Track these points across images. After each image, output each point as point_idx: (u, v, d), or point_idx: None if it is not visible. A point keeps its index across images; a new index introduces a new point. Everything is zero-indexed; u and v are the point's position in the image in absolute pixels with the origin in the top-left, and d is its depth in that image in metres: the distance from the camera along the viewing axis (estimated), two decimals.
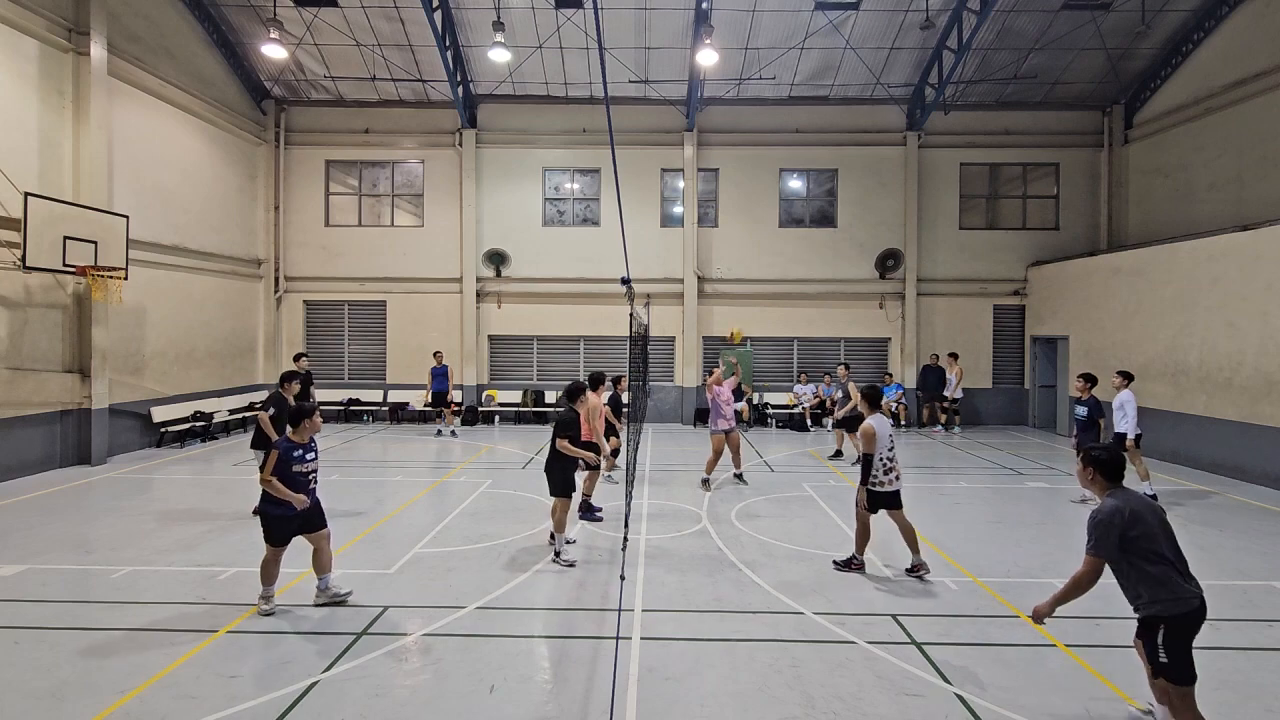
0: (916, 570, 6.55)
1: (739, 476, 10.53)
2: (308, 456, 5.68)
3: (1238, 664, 4.91)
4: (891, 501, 6.52)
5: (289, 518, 5.57)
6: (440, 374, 15.05)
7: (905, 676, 4.69)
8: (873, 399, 6.71)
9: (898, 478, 6.54)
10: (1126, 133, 16.85)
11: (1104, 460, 3.90)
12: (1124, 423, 9.16)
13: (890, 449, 6.49)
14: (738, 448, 10.30)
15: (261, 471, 5.48)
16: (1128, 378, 9.36)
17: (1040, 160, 17.56)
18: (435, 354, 15.49)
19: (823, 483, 10.67)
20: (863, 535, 6.69)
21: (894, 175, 17.43)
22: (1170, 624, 3.58)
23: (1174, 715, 3.67)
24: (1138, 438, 9.27)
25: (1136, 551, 3.62)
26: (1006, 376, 17.52)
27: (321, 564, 5.77)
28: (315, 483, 5.77)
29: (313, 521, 5.70)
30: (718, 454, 10.07)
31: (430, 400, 15.33)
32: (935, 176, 17.47)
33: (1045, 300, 16.54)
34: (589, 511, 8.55)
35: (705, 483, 10.14)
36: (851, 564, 6.73)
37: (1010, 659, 4.96)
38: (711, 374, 10.48)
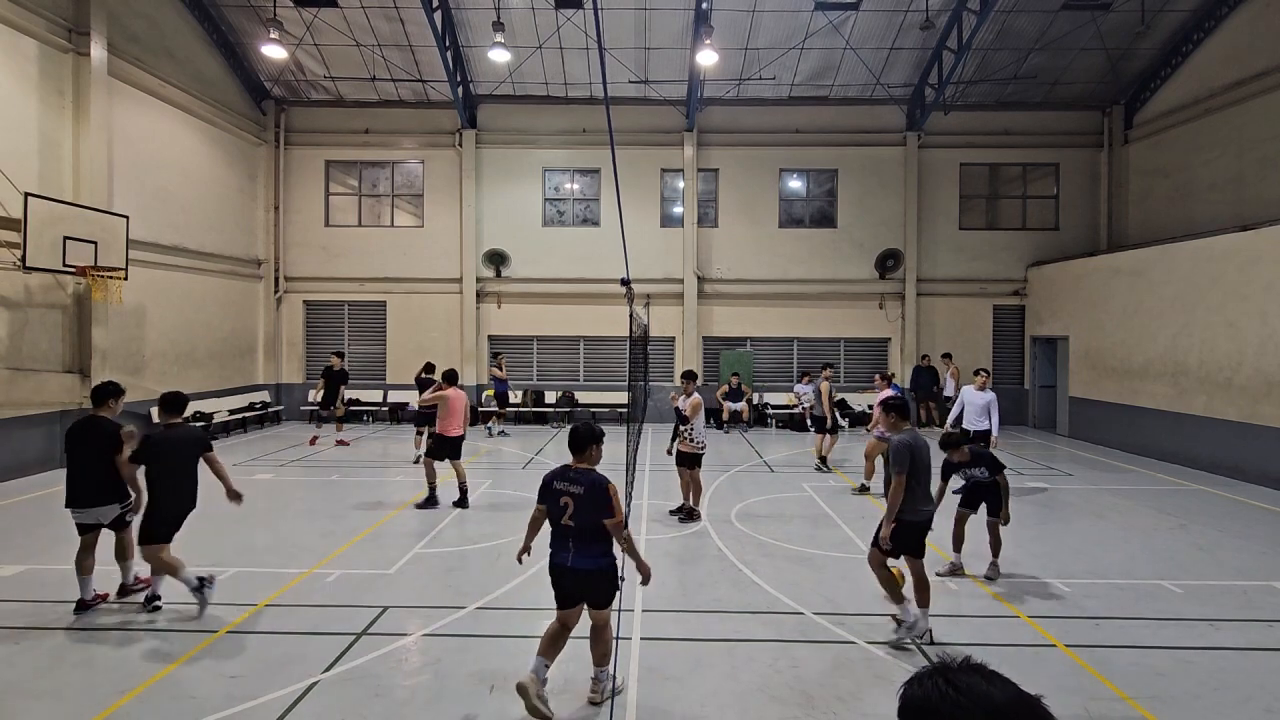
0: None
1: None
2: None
3: (1238, 664, 4.91)
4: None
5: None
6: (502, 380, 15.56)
7: (905, 676, 4.67)
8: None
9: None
10: (1126, 133, 16.85)
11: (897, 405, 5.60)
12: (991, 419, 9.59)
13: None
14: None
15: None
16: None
17: (1040, 160, 17.56)
18: (497, 355, 15.80)
19: (823, 483, 10.67)
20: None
21: (894, 175, 17.43)
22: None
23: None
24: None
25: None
26: (1006, 377, 17.50)
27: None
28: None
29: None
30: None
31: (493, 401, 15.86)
32: (935, 177, 17.47)
33: (1045, 300, 16.54)
34: None
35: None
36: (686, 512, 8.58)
37: (1010, 659, 4.96)
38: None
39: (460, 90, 16.31)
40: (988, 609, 5.86)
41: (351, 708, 4.25)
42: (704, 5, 13.81)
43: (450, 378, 9.37)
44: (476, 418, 12.53)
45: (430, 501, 9.04)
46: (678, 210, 17.65)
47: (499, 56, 14.21)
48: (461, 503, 9.00)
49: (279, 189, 17.27)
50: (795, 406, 16.86)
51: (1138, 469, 11.95)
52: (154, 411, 10.88)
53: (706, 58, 13.65)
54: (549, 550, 4.35)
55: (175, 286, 13.97)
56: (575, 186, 17.83)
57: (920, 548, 5.25)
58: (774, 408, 17.14)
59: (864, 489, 9.95)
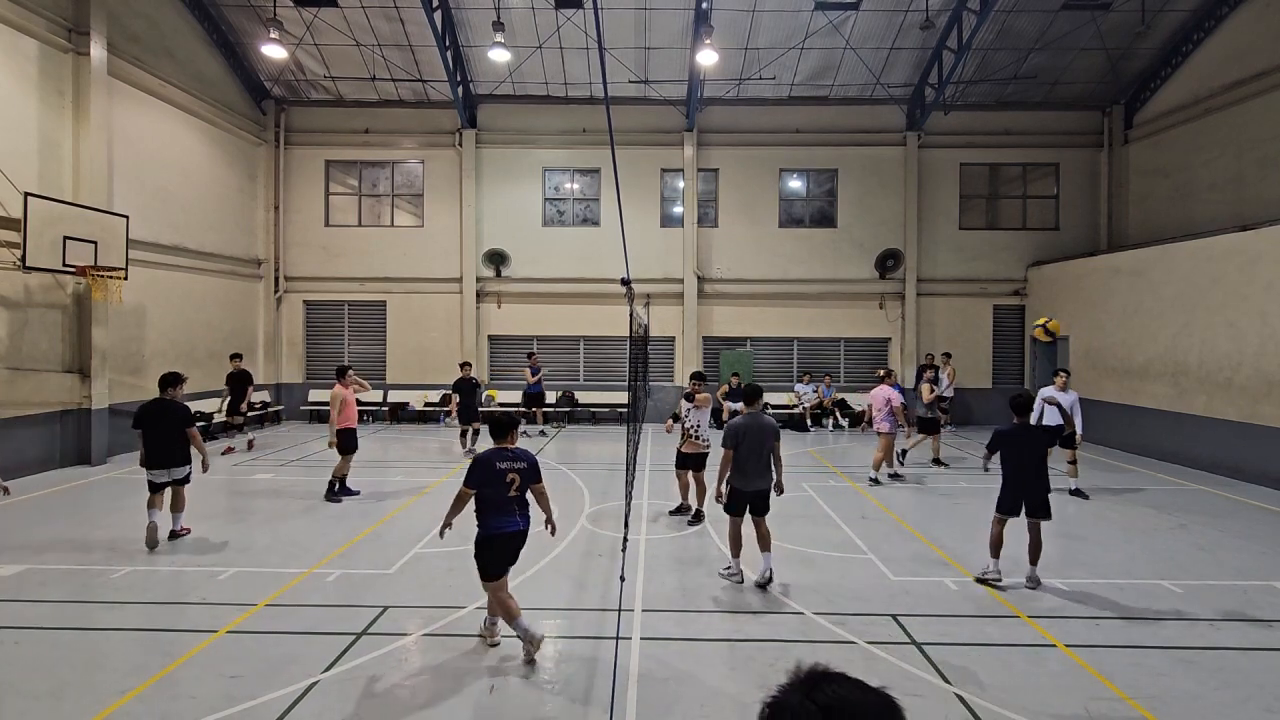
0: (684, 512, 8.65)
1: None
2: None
3: (1238, 664, 4.91)
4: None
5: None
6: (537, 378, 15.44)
7: (905, 676, 4.69)
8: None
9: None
10: (1126, 133, 16.85)
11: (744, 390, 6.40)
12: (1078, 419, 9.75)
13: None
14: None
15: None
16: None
17: (1040, 160, 17.56)
18: (532, 355, 15.73)
19: (823, 483, 10.68)
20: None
21: (894, 175, 17.42)
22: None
23: None
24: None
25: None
26: (1006, 377, 17.51)
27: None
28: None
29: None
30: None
31: (525, 401, 15.74)
32: (935, 176, 17.47)
33: (1045, 300, 16.53)
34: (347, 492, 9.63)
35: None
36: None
37: (1010, 659, 4.96)
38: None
39: (460, 90, 16.30)
40: (988, 609, 5.86)
41: (351, 708, 4.25)
42: (704, 5, 13.81)
43: (339, 374, 9.77)
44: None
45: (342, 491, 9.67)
46: (678, 210, 17.65)
47: (499, 56, 14.21)
48: (331, 494, 9.51)
49: (279, 189, 17.27)
50: (795, 406, 16.87)
51: (1138, 469, 11.95)
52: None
53: (706, 58, 13.65)
54: (492, 526, 4.83)
55: (175, 286, 13.96)
56: (575, 186, 17.82)
57: (741, 511, 6.29)
58: (774, 408, 17.12)
59: (875, 481, 10.62)
